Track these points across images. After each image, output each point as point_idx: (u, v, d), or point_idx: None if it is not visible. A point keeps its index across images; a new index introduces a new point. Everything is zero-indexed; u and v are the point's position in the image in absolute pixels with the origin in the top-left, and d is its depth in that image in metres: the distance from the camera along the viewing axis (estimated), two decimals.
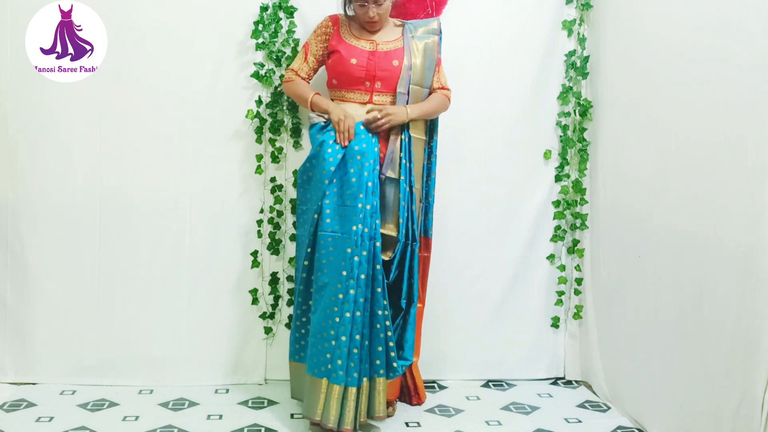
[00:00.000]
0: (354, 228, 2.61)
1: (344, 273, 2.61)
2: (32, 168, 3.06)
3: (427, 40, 2.82)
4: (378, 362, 2.66)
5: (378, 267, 2.65)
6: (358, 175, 2.65)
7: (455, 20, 3.13)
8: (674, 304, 2.54)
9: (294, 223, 3.17)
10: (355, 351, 2.59)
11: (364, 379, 2.63)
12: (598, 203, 3.21)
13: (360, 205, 2.63)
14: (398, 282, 2.76)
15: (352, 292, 2.59)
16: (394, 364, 2.70)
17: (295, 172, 3.14)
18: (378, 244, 2.65)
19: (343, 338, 2.58)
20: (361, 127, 2.71)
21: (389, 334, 2.67)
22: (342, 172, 2.67)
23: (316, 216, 2.69)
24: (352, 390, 2.59)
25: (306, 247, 2.74)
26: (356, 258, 2.60)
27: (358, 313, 2.60)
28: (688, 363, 2.45)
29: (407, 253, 2.76)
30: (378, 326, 2.65)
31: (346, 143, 2.67)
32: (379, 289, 2.65)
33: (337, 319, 2.60)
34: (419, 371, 3.04)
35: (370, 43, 2.77)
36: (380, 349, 2.66)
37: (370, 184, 2.66)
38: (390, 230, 2.74)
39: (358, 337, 2.60)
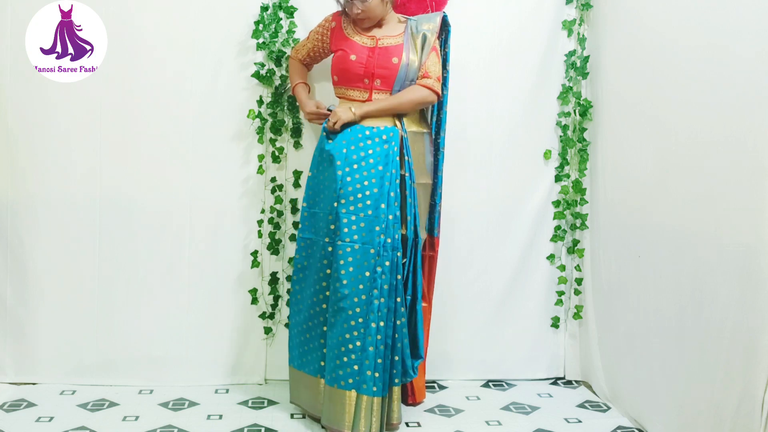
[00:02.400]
0: (377, 238, 2.60)
1: (368, 283, 2.59)
2: (32, 168, 3.06)
3: (426, 33, 2.76)
4: (395, 371, 2.67)
5: (399, 277, 2.64)
6: (380, 185, 2.64)
7: (455, 20, 3.10)
8: (674, 304, 2.54)
9: (294, 224, 3.17)
10: (379, 361, 2.59)
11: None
12: (598, 203, 3.21)
13: (383, 215, 2.62)
14: (404, 279, 2.75)
15: (376, 302, 2.58)
16: (411, 364, 2.71)
17: (295, 172, 3.14)
18: (399, 254, 2.64)
19: (371, 349, 2.57)
20: (391, 135, 2.69)
21: (405, 341, 2.67)
22: (361, 180, 2.65)
23: (330, 217, 2.66)
24: (378, 400, 2.59)
25: (320, 250, 2.70)
26: (379, 268, 2.59)
27: (382, 324, 2.59)
28: (688, 363, 2.45)
29: (412, 249, 2.75)
30: (397, 336, 2.65)
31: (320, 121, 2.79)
32: (398, 299, 2.64)
33: (362, 330, 2.58)
34: (422, 371, 3.04)
35: (371, 39, 2.74)
36: (397, 358, 2.66)
37: (392, 194, 2.64)
38: (402, 228, 2.72)
39: (382, 347, 2.60)
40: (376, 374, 2.58)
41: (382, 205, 2.62)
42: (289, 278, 3.20)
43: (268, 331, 3.19)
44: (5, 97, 3.02)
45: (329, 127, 2.70)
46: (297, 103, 3.10)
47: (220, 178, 3.13)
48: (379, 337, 2.58)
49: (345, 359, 2.60)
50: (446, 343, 3.28)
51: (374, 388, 2.58)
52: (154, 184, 3.10)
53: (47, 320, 3.10)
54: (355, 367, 2.59)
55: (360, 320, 2.59)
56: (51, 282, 3.09)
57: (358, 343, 2.58)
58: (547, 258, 3.36)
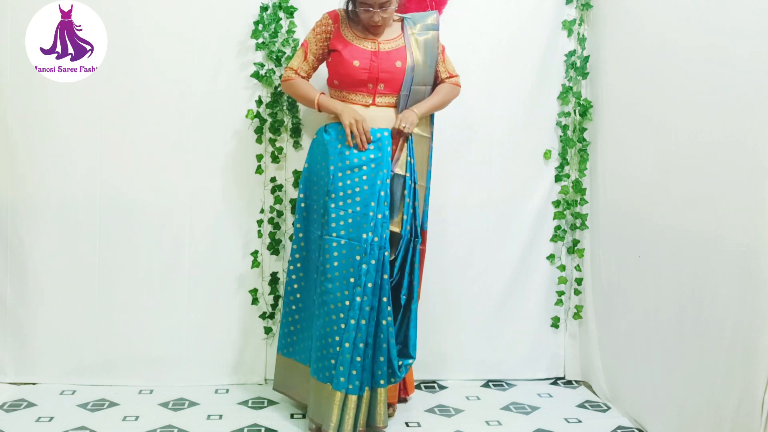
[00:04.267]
0: (364, 236, 2.60)
1: (351, 280, 2.59)
2: (32, 168, 3.06)
3: (427, 36, 2.76)
4: (380, 372, 2.66)
5: (385, 277, 2.63)
6: (371, 183, 2.64)
7: (455, 20, 3.13)
8: (674, 304, 2.54)
9: (294, 224, 3.17)
10: (358, 359, 2.58)
11: (366, 389, 2.63)
12: (598, 203, 3.21)
13: (372, 213, 2.62)
14: (399, 279, 2.75)
15: (358, 299, 2.58)
16: (399, 364, 2.70)
17: (295, 172, 3.14)
18: (387, 253, 2.64)
19: (347, 344, 2.57)
20: (385, 134, 2.69)
21: (391, 341, 2.66)
22: (353, 176, 2.65)
23: (322, 211, 2.66)
24: (353, 398, 2.59)
25: (315, 242, 2.71)
26: (364, 266, 2.59)
27: (363, 321, 2.59)
28: (688, 363, 2.45)
29: (409, 249, 2.75)
30: (381, 336, 2.64)
31: (365, 147, 2.65)
32: (384, 299, 2.64)
33: (342, 326, 2.59)
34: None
35: (372, 43, 2.71)
36: (382, 359, 2.65)
37: (383, 193, 2.64)
38: (395, 226, 2.71)
39: (362, 345, 2.59)
40: (353, 372, 2.58)
41: (372, 203, 2.62)
42: None
43: (268, 331, 3.19)
44: (5, 97, 3.02)
45: (404, 130, 2.68)
46: (297, 103, 3.10)
47: (220, 178, 3.13)
48: (359, 335, 2.58)
49: (324, 352, 2.63)
50: (446, 343, 3.28)
51: (350, 386, 2.58)
52: (154, 184, 3.10)
53: (47, 320, 3.10)
54: (332, 362, 2.60)
55: (341, 315, 2.59)
56: (51, 282, 3.09)
57: (337, 338, 2.59)
58: (547, 258, 3.36)
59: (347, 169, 2.65)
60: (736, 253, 2.20)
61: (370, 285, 2.59)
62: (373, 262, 2.60)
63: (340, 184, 2.65)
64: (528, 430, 2.81)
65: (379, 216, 2.63)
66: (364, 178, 2.64)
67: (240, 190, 3.15)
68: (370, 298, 2.60)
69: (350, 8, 2.71)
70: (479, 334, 3.32)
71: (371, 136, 2.67)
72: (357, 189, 2.64)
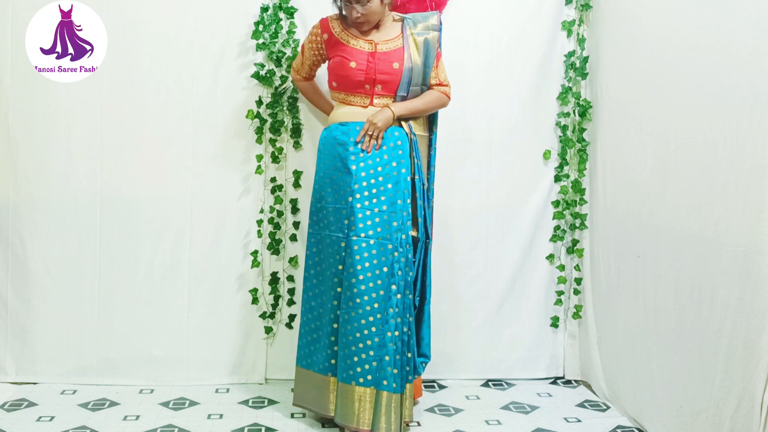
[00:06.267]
0: (395, 234, 2.60)
1: (386, 279, 2.59)
2: (33, 168, 3.06)
3: (427, 36, 2.74)
4: (408, 368, 2.66)
5: (411, 274, 2.64)
6: (395, 182, 2.65)
7: (455, 21, 3.14)
8: (673, 304, 2.55)
9: (295, 224, 3.18)
10: (398, 357, 2.59)
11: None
12: (598, 203, 3.22)
13: (399, 211, 2.62)
14: (413, 280, 2.74)
15: (395, 298, 2.58)
16: (419, 365, 2.75)
17: (295, 172, 3.15)
18: (411, 251, 2.66)
19: (391, 345, 2.57)
20: (395, 134, 2.70)
21: (413, 338, 2.68)
22: (376, 175, 2.65)
23: (345, 212, 2.64)
24: (398, 396, 2.59)
25: (338, 244, 2.66)
26: (397, 264, 2.59)
27: (399, 320, 2.59)
28: (688, 363, 2.45)
29: (421, 251, 2.75)
30: (409, 332, 2.65)
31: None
32: (410, 296, 2.65)
33: (381, 326, 2.58)
34: None
35: (369, 44, 2.70)
36: (409, 355, 2.66)
37: (407, 190, 2.66)
38: (411, 230, 2.72)
39: (400, 343, 2.60)
40: (395, 371, 2.58)
41: (399, 201, 2.63)
42: (289, 278, 3.20)
43: (268, 330, 3.20)
44: (5, 97, 3.02)
45: (367, 141, 2.64)
46: (297, 103, 3.12)
47: (220, 178, 3.14)
48: (397, 333, 2.58)
49: (363, 356, 2.59)
50: (446, 343, 3.28)
51: (394, 385, 2.57)
52: (154, 184, 3.11)
53: (48, 320, 3.10)
54: (374, 364, 2.57)
55: (378, 316, 2.57)
56: (51, 282, 3.10)
57: (377, 339, 2.57)
58: (547, 258, 3.37)
59: (370, 168, 2.65)
60: (735, 253, 2.21)
61: (402, 283, 2.60)
62: (403, 260, 2.61)
63: (365, 183, 2.64)
64: (527, 429, 2.81)
65: (405, 213, 2.64)
66: (388, 176, 2.65)
67: (240, 190, 3.15)
68: (403, 296, 2.60)
69: (339, 5, 2.70)
70: (479, 334, 3.33)
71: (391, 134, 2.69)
72: (382, 188, 2.64)
